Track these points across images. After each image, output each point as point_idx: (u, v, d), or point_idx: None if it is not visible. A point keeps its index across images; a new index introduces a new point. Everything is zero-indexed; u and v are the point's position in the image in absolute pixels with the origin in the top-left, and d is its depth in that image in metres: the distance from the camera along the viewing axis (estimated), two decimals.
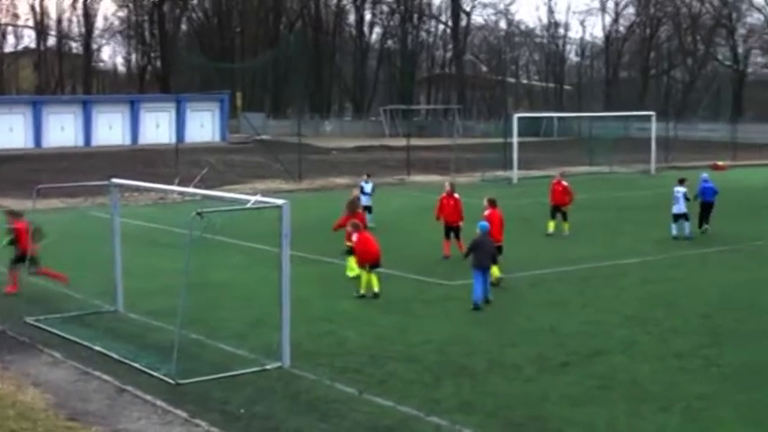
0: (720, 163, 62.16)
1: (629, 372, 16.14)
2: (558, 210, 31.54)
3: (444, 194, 27.37)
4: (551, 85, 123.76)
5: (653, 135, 59.19)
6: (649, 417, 14.02)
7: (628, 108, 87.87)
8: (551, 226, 31.38)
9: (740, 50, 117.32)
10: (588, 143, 66.70)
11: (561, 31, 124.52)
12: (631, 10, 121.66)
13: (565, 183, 31.72)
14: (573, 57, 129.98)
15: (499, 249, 23.23)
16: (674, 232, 30.61)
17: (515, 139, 53.40)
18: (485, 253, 21.13)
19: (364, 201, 31.59)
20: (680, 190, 30.90)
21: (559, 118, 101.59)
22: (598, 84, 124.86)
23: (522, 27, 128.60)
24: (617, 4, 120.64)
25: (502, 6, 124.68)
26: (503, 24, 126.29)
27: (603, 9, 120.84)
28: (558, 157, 64.50)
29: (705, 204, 32.20)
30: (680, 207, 30.62)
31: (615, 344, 17.91)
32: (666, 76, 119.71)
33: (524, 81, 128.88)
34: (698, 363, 16.68)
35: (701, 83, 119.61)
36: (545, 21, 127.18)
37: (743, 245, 29.79)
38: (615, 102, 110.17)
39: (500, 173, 54.99)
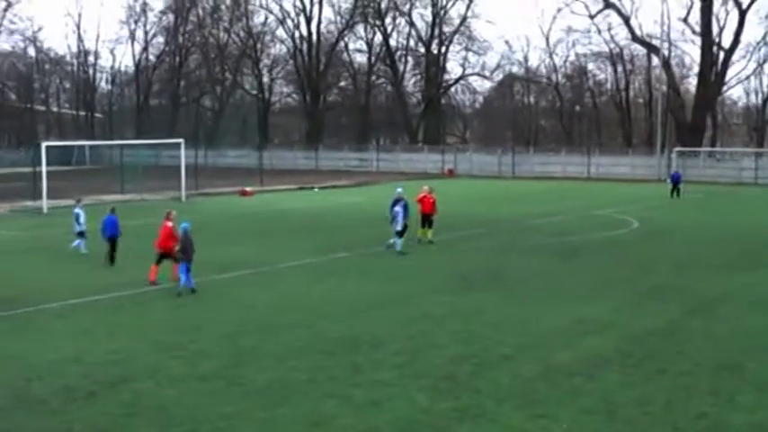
0: (248, 189, 64.32)
1: (155, 397, 16.34)
2: None
3: None
4: (83, 113, 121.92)
5: (182, 162, 60.18)
6: None
7: (160, 136, 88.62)
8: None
9: (265, 80, 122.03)
10: (120, 171, 66.55)
11: (91, 59, 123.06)
12: (161, 39, 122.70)
13: None
14: (104, 85, 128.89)
15: None
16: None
17: (44, 168, 52.21)
18: (188, 249, 25.86)
19: (79, 228, 33.08)
20: (398, 209, 33.79)
21: (91, 146, 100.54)
22: (130, 112, 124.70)
23: (52, 54, 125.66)
24: (146, 33, 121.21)
25: (30, 33, 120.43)
26: (31, 51, 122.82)
27: (133, 38, 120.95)
28: (90, 185, 63.84)
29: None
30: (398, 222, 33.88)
31: (142, 370, 18.03)
32: (197, 104, 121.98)
33: (55, 109, 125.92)
34: (222, 383, 17.19)
35: (230, 111, 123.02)
36: (75, 49, 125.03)
37: (263, 268, 30.99)
38: (147, 129, 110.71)
39: (30, 203, 53.49)
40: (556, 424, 15.01)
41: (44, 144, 56.76)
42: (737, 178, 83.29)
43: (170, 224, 27.60)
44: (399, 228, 34.04)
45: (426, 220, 37.22)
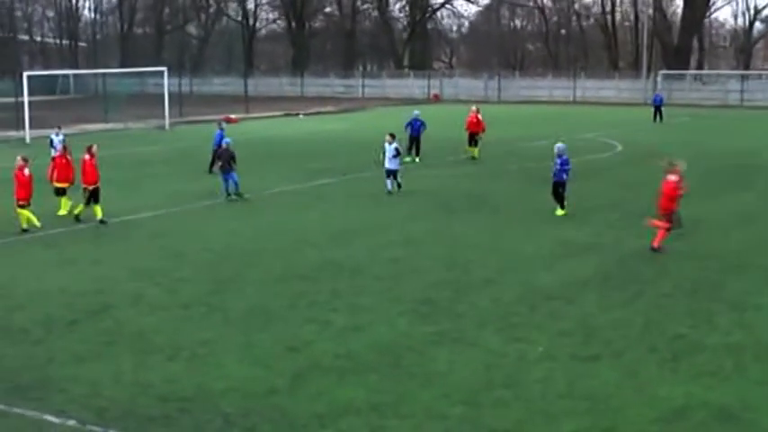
0: (233, 116, 64.07)
1: (135, 325, 16.38)
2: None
3: None
4: (66, 42, 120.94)
5: (166, 90, 59.82)
6: (155, 367, 14.30)
7: (144, 64, 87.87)
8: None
9: (250, 6, 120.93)
10: (104, 100, 66.17)
11: None
12: None
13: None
14: (87, 13, 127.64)
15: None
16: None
17: (26, 98, 51.90)
18: (226, 158, 29.86)
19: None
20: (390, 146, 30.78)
21: (75, 75, 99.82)
22: (114, 40, 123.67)
23: None
24: None
25: None
26: None
27: None
28: (74, 115, 63.40)
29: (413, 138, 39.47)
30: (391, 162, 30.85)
31: (123, 298, 18.07)
32: (181, 31, 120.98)
33: (38, 38, 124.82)
34: (202, 310, 17.25)
35: (215, 38, 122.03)
36: None
37: (248, 195, 30.73)
38: (132, 58, 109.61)
39: (13, 133, 53.25)
40: (533, 347, 15.11)
41: (26, 74, 56.24)
42: (723, 101, 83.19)
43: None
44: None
45: (472, 139, 40.88)
